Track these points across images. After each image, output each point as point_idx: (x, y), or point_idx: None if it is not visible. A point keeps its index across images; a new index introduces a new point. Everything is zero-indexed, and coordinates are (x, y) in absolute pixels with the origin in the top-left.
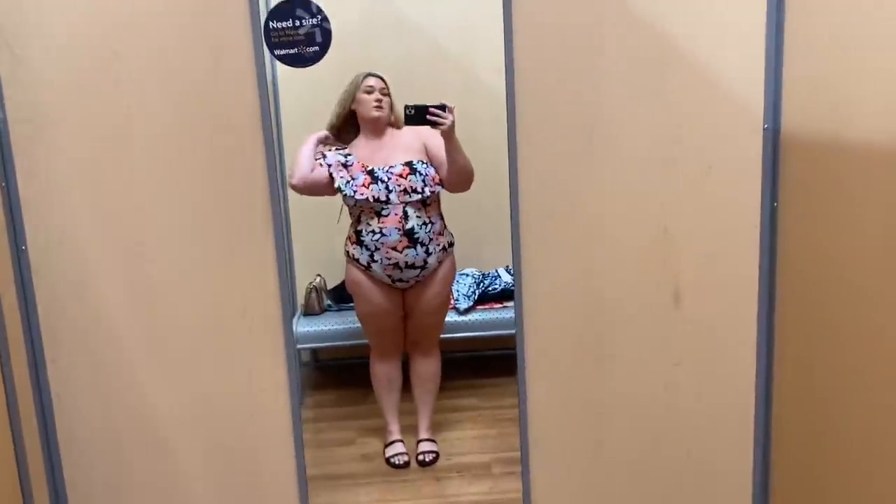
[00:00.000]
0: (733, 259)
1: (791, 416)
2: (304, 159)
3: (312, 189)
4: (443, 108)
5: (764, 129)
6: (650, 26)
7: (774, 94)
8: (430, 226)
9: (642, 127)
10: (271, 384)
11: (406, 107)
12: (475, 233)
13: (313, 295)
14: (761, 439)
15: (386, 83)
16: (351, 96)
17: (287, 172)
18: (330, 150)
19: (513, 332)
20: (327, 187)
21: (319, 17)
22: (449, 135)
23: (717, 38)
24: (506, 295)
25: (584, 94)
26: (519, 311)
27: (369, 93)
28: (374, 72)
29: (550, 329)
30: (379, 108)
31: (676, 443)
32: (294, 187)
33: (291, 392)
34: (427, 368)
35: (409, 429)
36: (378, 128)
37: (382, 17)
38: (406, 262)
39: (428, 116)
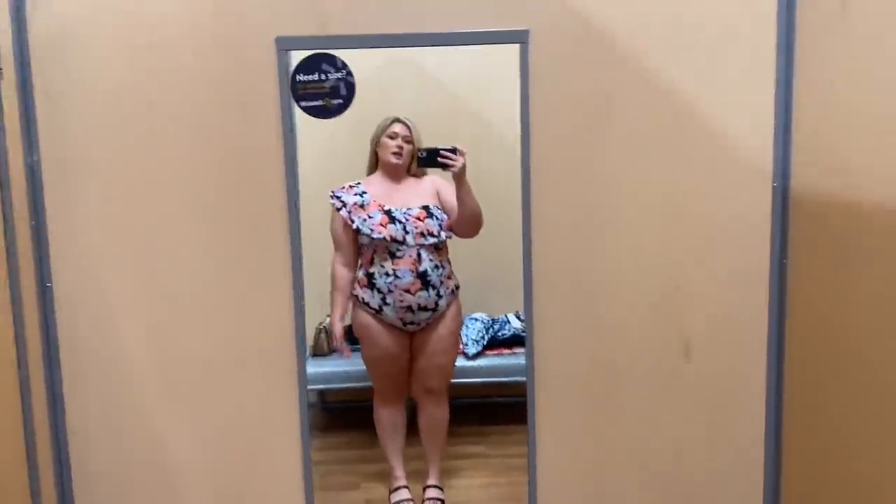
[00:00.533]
0: (743, 315)
1: (801, 474)
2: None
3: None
4: (454, 150)
5: (773, 187)
6: (662, 87)
7: (783, 152)
8: (440, 269)
9: (654, 184)
10: (283, 424)
11: (418, 150)
12: (484, 279)
13: (322, 336)
14: (770, 496)
15: (411, 130)
16: (376, 138)
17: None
18: (344, 189)
19: (522, 378)
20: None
21: (344, 71)
22: (460, 177)
23: (728, 99)
24: (515, 340)
25: (596, 152)
26: (530, 363)
27: (392, 138)
28: (402, 118)
29: (561, 382)
30: (398, 155)
31: (685, 498)
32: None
33: (303, 434)
34: (436, 416)
35: (414, 474)
36: (397, 173)
37: (401, 68)
38: (419, 305)
39: (439, 159)
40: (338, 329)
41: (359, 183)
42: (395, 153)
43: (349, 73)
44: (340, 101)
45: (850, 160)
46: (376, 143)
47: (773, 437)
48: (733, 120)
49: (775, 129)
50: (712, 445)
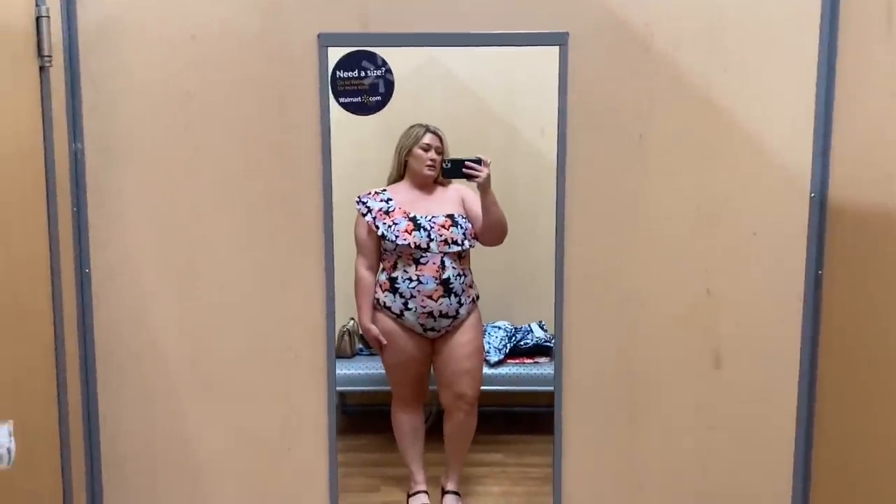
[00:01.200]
0: (776, 326)
1: (831, 492)
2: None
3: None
4: (479, 161)
5: (811, 196)
6: (700, 94)
7: (822, 162)
8: (462, 277)
9: (689, 191)
10: (311, 422)
11: (443, 160)
12: (507, 287)
13: (346, 338)
14: None
15: (443, 141)
16: (408, 149)
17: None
18: (370, 195)
19: (544, 388)
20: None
21: (384, 68)
22: (485, 187)
23: (767, 107)
24: (538, 350)
25: (632, 158)
26: (559, 370)
27: (426, 150)
28: (433, 127)
29: (589, 389)
30: (432, 168)
31: None
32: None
33: (329, 431)
34: (465, 423)
35: (433, 480)
36: (427, 184)
37: (431, 74)
38: (440, 311)
39: (464, 170)
40: (372, 329)
41: (384, 190)
42: (429, 166)
43: (388, 71)
44: (379, 98)
45: (890, 171)
46: (407, 153)
47: (802, 453)
48: (772, 128)
49: (814, 138)
50: (740, 459)
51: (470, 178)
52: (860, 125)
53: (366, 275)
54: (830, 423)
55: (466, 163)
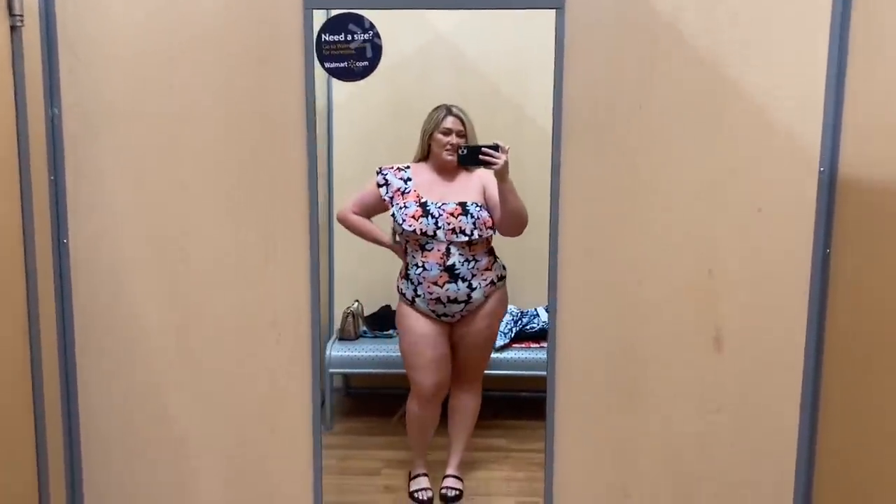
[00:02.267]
0: (780, 307)
1: (835, 478)
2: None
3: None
4: (496, 147)
5: (820, 172)
6: (705, 63)
7: (833, 136)
8: (472, 262)
9: (692, 165)
10: (295, 399)
11: (459, 147)
12: (514, 271)
13: (350, 320)
14: (802, 495)
15: (465, 123)
16: (429, 133)
17: (342, 206)
18: (391, 169)
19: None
20: (380, 205)
21: (371, 32)
22: (502, 175)
23: (776, 77)
24: (544, 334)
25: (633, 129)
26: (552, 349)
27: (446, 135)
28: (456, 110)
29: (584, 369)
30: (452, 152)
31: (709, 496)
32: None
33: (314, 410)
34: (466, 404)
35: (435, 463)
36: (448, 168)
37: (439, 54)
38: (448, 297)
39: (481, 156)
40: (387, 239)
41: (408, 167)
42: (448, 150)
43: (376, 35)
44: (366, 63)
45: None
46: (429, 136)
47: (806, 437)
48: (780, 100)
49: (825, 109)
50: (741, 443)
51: (486, 165)
52: (874, 97)
53: (353, 216)
54: (836, 407)
55: (483, 149)
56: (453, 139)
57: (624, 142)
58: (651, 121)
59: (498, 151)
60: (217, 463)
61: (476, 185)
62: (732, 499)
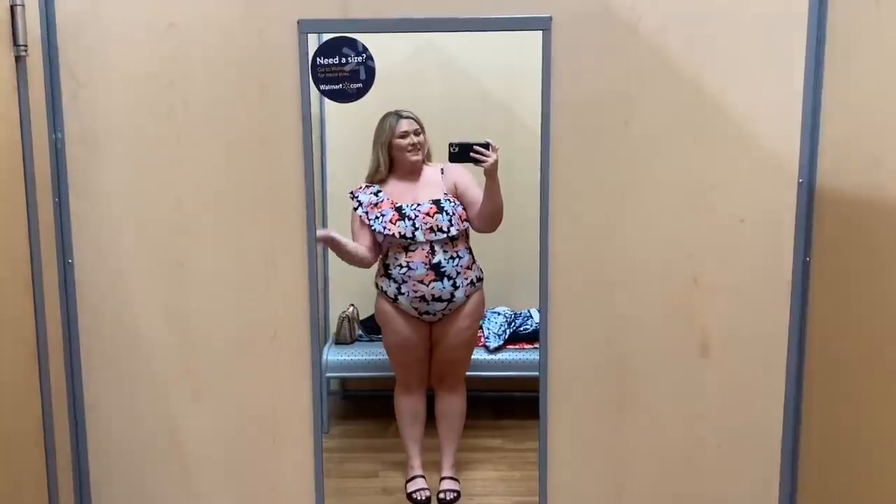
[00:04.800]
0: (763, 313)
1: (819, 479)
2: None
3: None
4: (486, 145)
5: (799, 183)
6: (686, 79)
7: (810, 148)
8: (457, 259)
9: (676, 176)
10: (296, 410)
11: (450, 144)
12: (507, 273)
13: (345, 324)
14: (786, 498)
15: (418, 121)
16: (387, 142)
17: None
18: (361, 189)
19: None
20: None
21: (364, 55)
22: (492, 173)
23: (755, 92)
24: (537, 336)
25: (618, 143)
26: (544, 355)
27: (404, 137)
28: (403, 112)
29: (574, 374)
30: (416, 152)
31: (698, 497)
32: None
33: (315, 419)
34: (452, 405)
35: (432, 465)
36: (414, 169)
37: (428, 59)
38: (432, 295)
39: (471, 154)
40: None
41: (377, 187)
42: (411, 152)
43: (369, 58)
44: (360, 85)
45: (879, 158)
46: (389, 145)
47: (790, 441)
48: (760, 114)
49: (802, 123)
50: (727, 445)
51: (477, 162)
52: (848, 110)
53: (363, 251)
54: (818, 411)
55: (474, 147)
56: (412, 139)
57: (610, 156)
58: (636, 136)
59: (488, 149)
60: (222, 474)
61: (446, 180)
62: (719, 497)
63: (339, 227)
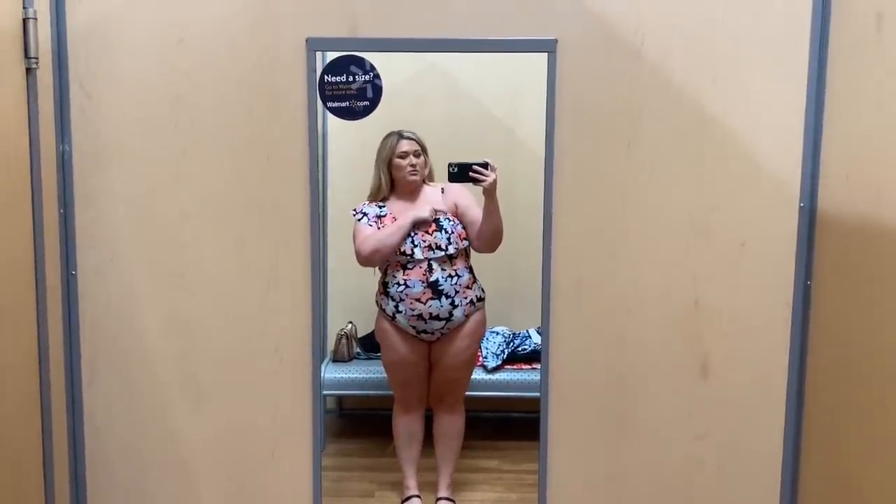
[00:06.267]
0: (764, 336)
1: (818, 499)
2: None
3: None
4: (485, 165)
5: (800, 207)
6: (689, 102)
7: (812, 171)
8: (455, 278)
9: (677, 199)
10: (295, 425)
11: (450, 164)
12: (507, 292)
13: (343, 341)
14: None
15: (419, 142)
16: (388, 161)
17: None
18: (365, 205)
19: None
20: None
21: (372, 73)
22: (490, 193)
23: (757, 116)
24: (536, 356)
25: (621, 165)
26: (545, 375)
27: (403, 157)
28: (405, 132)
29: (575, 396)
30: (414, 173)
31: None
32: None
33: (314, 435)
34: (451, 425)
35: (428, 485)
36: (414, 189)
37: (432, 80)
38: (430, 314)
39: (470, 173)
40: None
41: (383, 204)
42: (410, 172)
43: (377, 76)
44: (367, 103)
45: (880, 182)
46: (388, 164)
47: (791, 464)
48: (762, 137)
49: (804, 147)
50: (727, 468)
51: (476, 182)
52: (849, 134)
53: (367, 239)
54: (819, 435)
55: (473, 166)
56: (411, 159)
57: (613, 178)
58: (639, 159)
59: (487, 169)
60: (221, 488)
61: (446, 199)
62: None
63: (339, 245)
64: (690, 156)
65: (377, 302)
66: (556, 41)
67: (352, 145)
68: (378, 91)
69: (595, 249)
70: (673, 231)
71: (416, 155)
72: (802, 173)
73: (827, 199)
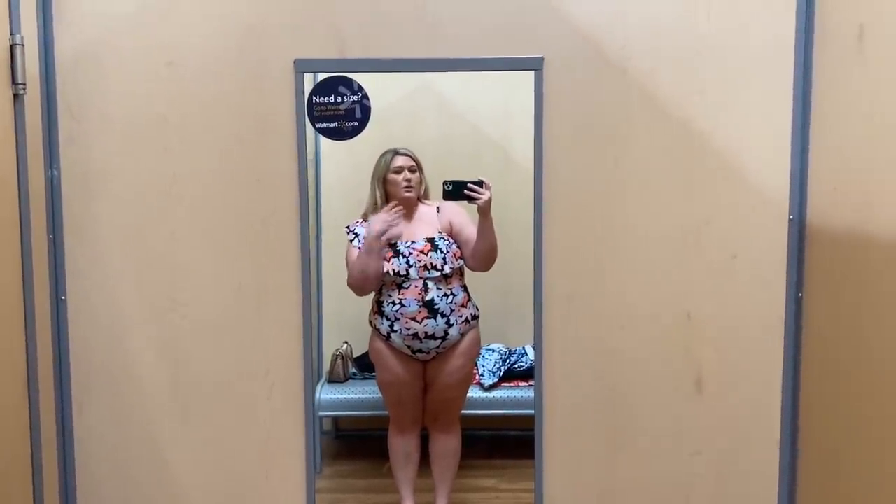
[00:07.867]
0: (757, 348)
1: None
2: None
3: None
4: (480, 183)
5: (789, 219)
6: (676, 117)
7: (800, 184)
8: (451, 297)
9: (667, 214)
10: (289, 447)
11: (444, 182)
12: (502, 309)
13: (339, 362)
14: None
15: (415, 159)
16: (382, 176)
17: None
18: (358, 223)
19: None
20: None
21: (360, 94)
22: (485, 211)
23: (744, 130)
24: (532, 373)
25: (610, 181)
26: (539, 393)
27: (398, 173)
28: (401, 149)
29: (569, 412)
30: (409, 189)
31: None
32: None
33: (308, 457)
34: (447, 445)
35: None
36: (409, 206)
37: (424, 100)
38: (426, 333)
39: (465, 191)
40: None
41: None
42: (405, 188)
43: (365, 97)
44: (355, 123)
45: (868, 194)
46: (383, 181)
47: (787, 474)
48: (750, 151)
49: (792, 161)
50: (723, 482)
51: (471, 199)
52: (836, 147)
53: (354, 270)
54: (814, 447)
55: (468, 184)
56: (406, 175)
57: (602, 193)
58: (627, 173)
59: (482, 187)
60: None
61: (441, 218)
62: None
63: (333, 264)
64: (679, 170)
65: (371, 321)
66: (542, 59)
67: (345, 166)
68: (366, 111)
69: (586, 265)
70: (663, 245)
71: (412, 170)
72: (791, 187)
73: (816, 211)
